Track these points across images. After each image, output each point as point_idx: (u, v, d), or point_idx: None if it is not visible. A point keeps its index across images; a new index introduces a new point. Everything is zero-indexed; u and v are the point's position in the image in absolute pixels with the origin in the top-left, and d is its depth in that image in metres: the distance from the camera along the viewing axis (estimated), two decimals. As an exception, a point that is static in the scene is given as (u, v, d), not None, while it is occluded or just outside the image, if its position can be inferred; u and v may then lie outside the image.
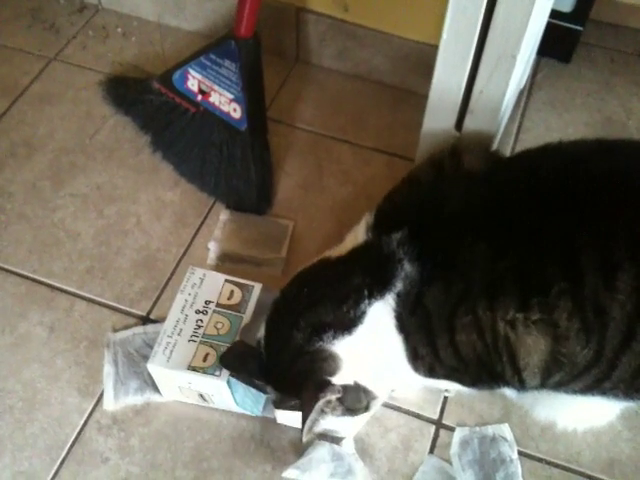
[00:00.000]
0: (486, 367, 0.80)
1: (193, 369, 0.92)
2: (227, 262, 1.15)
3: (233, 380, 0.91)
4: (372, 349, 0.84)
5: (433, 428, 1.00)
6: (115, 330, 1.08)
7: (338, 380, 0.83)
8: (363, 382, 0.86)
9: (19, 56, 1.47)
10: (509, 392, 0.88)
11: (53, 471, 0.95)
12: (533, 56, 1.35)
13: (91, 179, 1.27)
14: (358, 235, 0.87)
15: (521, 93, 1.40)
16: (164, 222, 1.21)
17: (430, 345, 0.81)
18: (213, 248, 1.16)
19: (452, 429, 0.99)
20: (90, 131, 1.34)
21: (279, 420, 0.97)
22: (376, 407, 0.93)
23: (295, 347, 0.83)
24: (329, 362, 0.83)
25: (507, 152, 1.31)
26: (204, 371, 0.92)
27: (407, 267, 0.79)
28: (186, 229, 1.20)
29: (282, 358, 0.85)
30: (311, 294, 0.85)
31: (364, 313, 0.81)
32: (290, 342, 0.83)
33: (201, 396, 0.97)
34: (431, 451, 0.98)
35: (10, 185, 1.26)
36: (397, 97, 1.42)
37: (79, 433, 0.98)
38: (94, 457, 0.97)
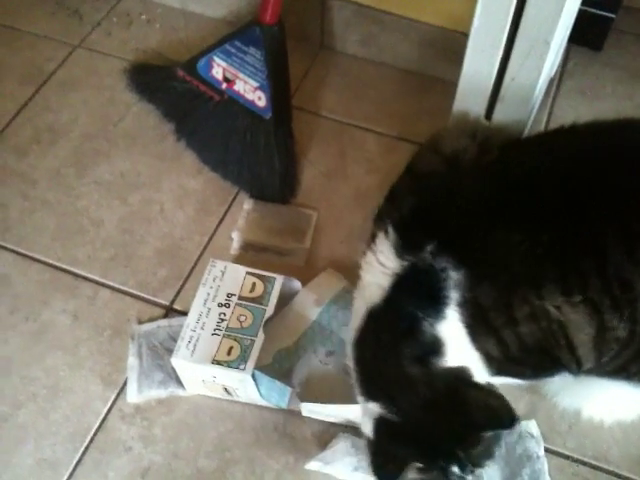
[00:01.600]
0: (547, 353, 0.79)
1: (217, 363, 0.92)
2: (250, 251, 1.14)
3: (258, 373, 0.91)
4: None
5: (458, 422, 0.99)
6: (140, 322, 1.08)
7: None
8: None
9: (43, 43, 1.46)
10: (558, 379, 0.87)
11: (76, 459, 0.95)
12: (564, 44, 1.32)
13: (114, 166, 1.27)
14: (387, 260, 0.82)
15: (551, 81, 1.37)
16: (187, 210, 1.21)
17: (500, 343, 0.79)
18: (236, 237, 1.15)
19: (477, 423, 0.98)
20: (113, 118, 1.33)
21: (304, 413, 0.97)
22: None
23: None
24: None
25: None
26: (228, 365, 0.91)
27: (452, 274, 0.76)
28: (209, 218, 1.19)
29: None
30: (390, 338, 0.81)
31: (438, 339, 0.79)
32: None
33: (225, 390, 0.97)
34: (456, 445, 0.97)
35: (34, 172, 1.26)
36: (422, 84, 1.39)
37: (102, 421, 0.98)
38: (117, 446, 0.96)
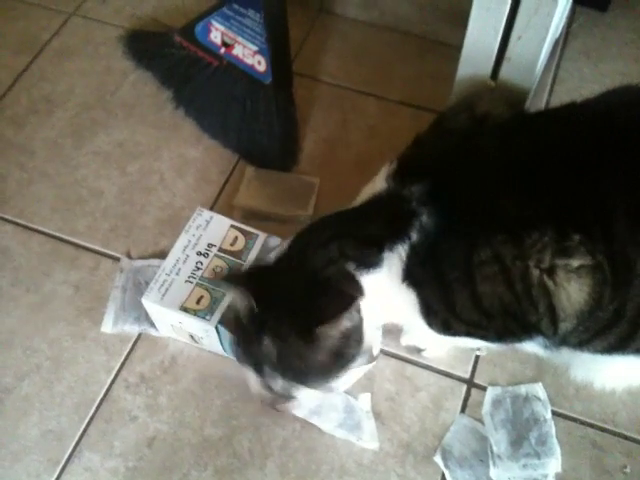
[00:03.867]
0: (516, 318, 0.76)
1: (185, 310, 0.92)
2: (252, 220, 1.12)
3: (221, 327, 0.91)
4: (385, 296, 0.81)
5: (464, 387, 0.98)
6: (131, 257, 1.08)
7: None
8: (365, 327, 0.82)
9: (37, 11, 1.44)
10: (534, 348, 0.83)
11: (81, 429, 0.95)
12: (569, 4, 1.29)
13: (112, 136, 1.25)
14: (376, 184, 0.83)
15: (556, 43, 1.34)
16: (187, 179, 1.19)
17: (444, 300, 0.78)
18: (238, 205, 1.14)
19: (484, 388, 0.97)
20: (110, 87, 1.31)
21: None
22: (358, 368, 0.88)
23: (325, 260, 0.79)
24: (355, 285, 0.79)
25: (542, 103, 1.26)
26: (195, 313, 0.92)
27: (424, 219, 0.76)
28: (210, 186, 1.18)
29: (308, 270, 0.80)
30: (337, 230, 0.82)
31: (381, 260, 0.79)
32: (320, 257, 0.80)
33: (191, 337, 0.97)
34: (462, 410, 0.96)
35: (31, 142, 1.24)
36: (424, 48, 1.37)
37: (107, 391, 0.98)
38: (122, 415, 0.96)
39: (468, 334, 0.84)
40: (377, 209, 0.82)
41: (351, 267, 0.79)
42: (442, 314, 0.80)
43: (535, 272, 0.71)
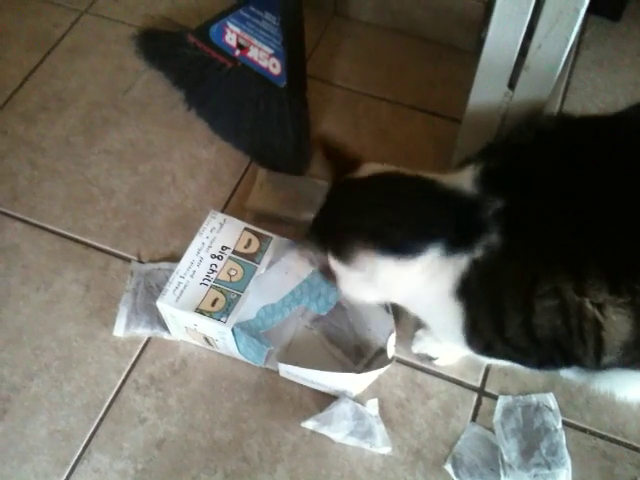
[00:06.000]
0: (563, 350, 0.76)
1: (200, 312, 0.92)
2: (264, 222, 1.12)
3: (238, 330, 0.91)
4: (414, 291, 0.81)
5: (475, 395, 0.98)
6: (142, 261, 1.08)
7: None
8: None
9: (50, 8, 1.43)
10: (569, 374, 0.83)
11: (91, 430, 0.95)
12: (582, 12, 1.29)
13: (124, 135, 1.24)
14: (462, 179, 0.79)
15: (569, 51, 1.34)
16: (199, 180, 1.19)
17: (494, 322, 0.77)
18: (250, 208, 1.13)
19: (495, 397, 0.97)
20: (122, 85, 1.31)
21: (282, 374, 0.98)
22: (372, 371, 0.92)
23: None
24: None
25: (554, 112, 1.26)
26: (211, 315, 0.92)
27: (494, 237, 0.74)
28: (222, 188, 1.18)
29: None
30: (390, 197, 0.80)
31: (421, 252, 0.76)
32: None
33: (206, 339, 0.97)
34: (473, 419, 0.96)
35: (43, 140, 1.23)
36: (438, 52, 1.37)
37: (117, 392, 0.98)
38: (132, 417, 0.96)
39: (508, 357, 0.83)
40: (453, 203, 0.78)
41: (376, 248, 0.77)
42: (488, 335, 0.79)
43: (589, 307, 0.71)
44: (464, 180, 0.79)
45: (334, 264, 0.83)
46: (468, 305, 0.77)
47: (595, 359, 0.75)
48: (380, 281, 0.80)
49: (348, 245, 0.79)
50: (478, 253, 0.74)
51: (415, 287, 0.80)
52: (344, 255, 0.80)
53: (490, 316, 0.77)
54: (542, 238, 0.73)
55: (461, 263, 0.75)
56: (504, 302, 0.75)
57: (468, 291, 0.76)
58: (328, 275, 0.87)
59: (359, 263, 0.79)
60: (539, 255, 0.72)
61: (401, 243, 0.77)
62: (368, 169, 0.86)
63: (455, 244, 0.76)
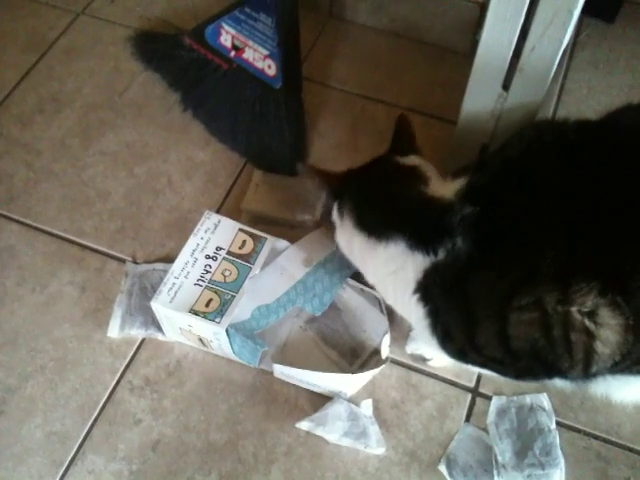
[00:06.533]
0: (545, 363, 0.73)
1: (195, 313, 0.92)
2: (260, 224, 1.12)
3: (232, 330, 0.91)
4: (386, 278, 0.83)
5: (469, 396, 0.98)
6: (137, 262, 1.08)
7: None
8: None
9: (45, 10, 1.43)
10: (557, 382, 0.81)
11: (85, 431, 0.95)
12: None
13: (120, 137, 1.24)
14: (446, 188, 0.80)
15: (563, 53, 1.34)
16: (195, 182, 1.19)
17: (466, 331, 0.75)
18: (245, 209, 1.14)
19: (489, 398, 0.97)
20: (118, 87, 1.31)
21: (276, 374, 0.98)
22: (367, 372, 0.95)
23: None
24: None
25: (549, 114, 1.26)
26: (205, 316, 0.92)
27: (458, 243, 0.72)
28: (218, 190, 1.18)
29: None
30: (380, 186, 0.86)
31: (386, 239, 0.79)
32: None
33: (201, 340, 0.97)
34: (467, 419, 0.96)
35: (39, 142, 1.23)
36: (435, 55, 1.37)
37: (111, 394, 0.98)
38: (126, 418, 0.96)
39: (483, 366, 0.83)
40: (419, 202, 0.80)
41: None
42: (460, 342, 0.78)
43: (577, 316, 0.68)
44: (447, 189, 0.80)
45: (334, 214, 0.91)
46: (434, 309, 0.77)
47: (583, 370, 0.73)
48: (355, 251, 0.87)
49: (343, 206, 0.88)
50: (440, 257, 0.74)
51: (381, 275, 0.84)
52: (340, 212, 0.89)
53: (462, 325, 0.76)
54: (521, 247, 0.71)
55: (423, 264, 0.75)
56: (477, 312, 0.73)
57: (431, 295, 0.76)
58: (327, 222, 0.95)
59: (345, 223, 0.87)
60: (517, 264, 0.70)
61: (369, 222, 0.83)
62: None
63: (416, 242, 0.76)
